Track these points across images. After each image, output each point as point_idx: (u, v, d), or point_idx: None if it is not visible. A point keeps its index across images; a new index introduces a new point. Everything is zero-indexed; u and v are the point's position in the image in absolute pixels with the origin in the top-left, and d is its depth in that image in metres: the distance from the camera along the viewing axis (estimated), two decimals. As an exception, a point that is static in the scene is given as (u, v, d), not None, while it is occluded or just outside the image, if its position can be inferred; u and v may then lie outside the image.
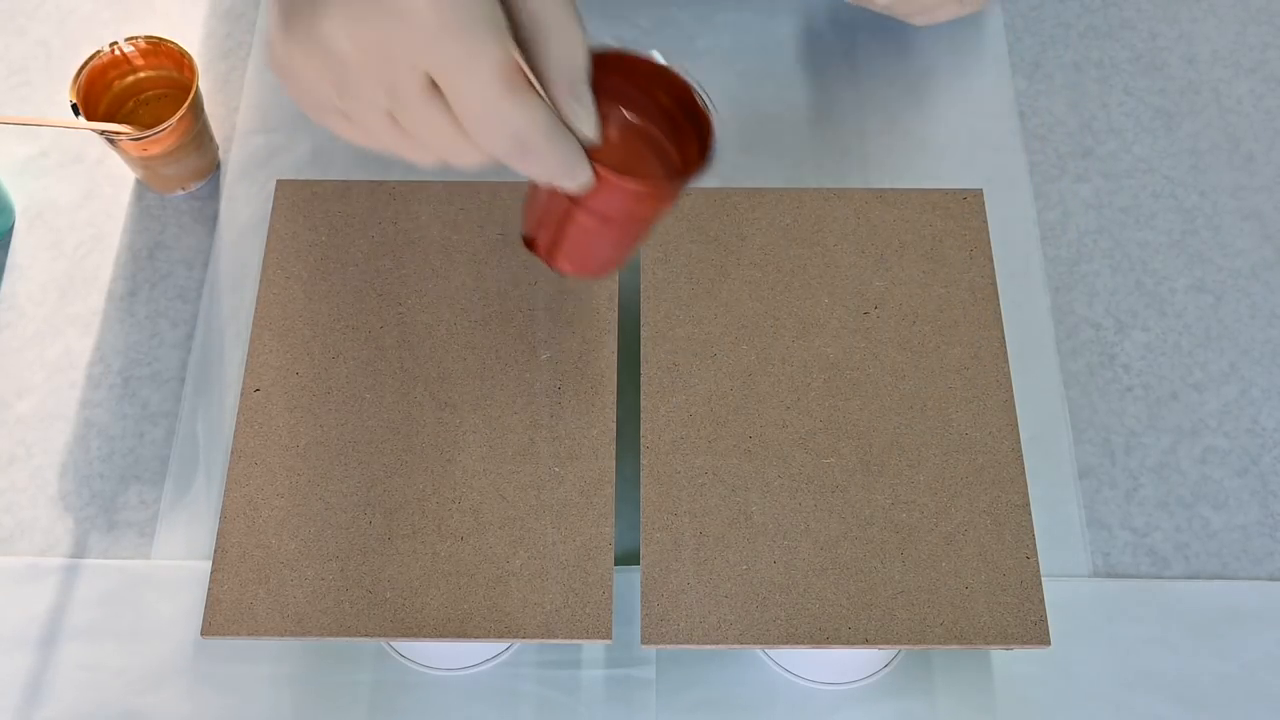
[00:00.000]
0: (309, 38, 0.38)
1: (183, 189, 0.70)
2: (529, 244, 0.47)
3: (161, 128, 0.64)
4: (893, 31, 0.75)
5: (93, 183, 0.71)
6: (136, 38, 0.67)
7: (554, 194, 0.44)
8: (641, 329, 0.57)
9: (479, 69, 0.37)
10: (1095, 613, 0.59)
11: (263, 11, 0.77)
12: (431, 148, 0.40)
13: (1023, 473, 0.53)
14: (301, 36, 0.38)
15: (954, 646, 0.50)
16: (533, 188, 0.47)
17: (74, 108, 0.64)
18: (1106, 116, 0.73)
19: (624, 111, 0.46)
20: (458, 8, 0.37)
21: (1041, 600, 0.50)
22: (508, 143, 0.39)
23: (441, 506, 0.53)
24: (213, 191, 0.71)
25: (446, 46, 0.37)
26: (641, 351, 0.56)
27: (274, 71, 0.40)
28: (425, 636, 0.50)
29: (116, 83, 0.67)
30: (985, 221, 0.59)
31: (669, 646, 0.50)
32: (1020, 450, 0.54)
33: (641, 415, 0.55)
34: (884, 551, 0.51)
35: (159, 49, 0.67)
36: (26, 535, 0.61)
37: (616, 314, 0.57)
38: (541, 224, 0.46)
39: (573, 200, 0.44)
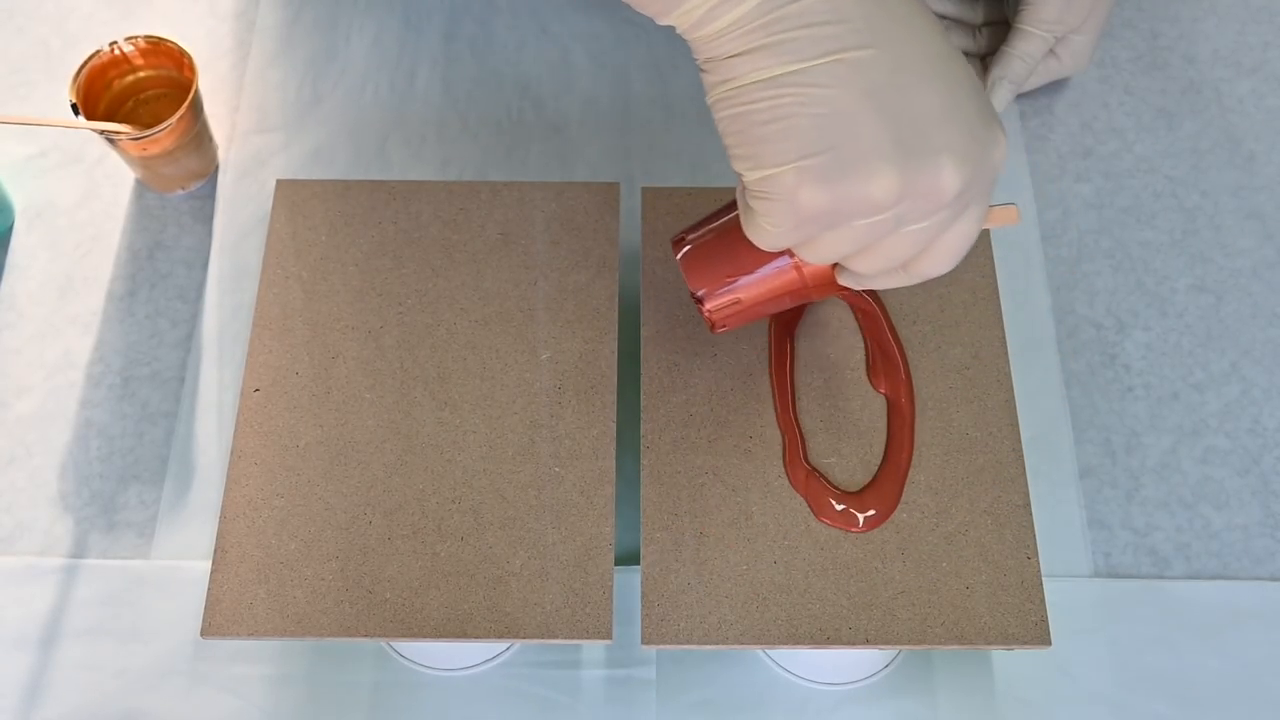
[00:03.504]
0: (910, 171, 0.40)
1: (182, 189, 0.70)
2: (698, 299, 0.50)
3: (161, 127, 0.64)
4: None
5: (92, 182, 0.71)
6: (136, 37, 0.67)
7: (790, 278, 0.48)
8: (641, 329, 0.57)
9: (984, 212, 0.44)
10: (1096, 613, 0.59)
11: (263, 11, 0.77)
12: (889, 261, 0.44)
13: (1023, 472, 0.53)
14: (900, 170, 0.40)
15: (954, 647, 0.50)
16: (734, 251, 0.48)
17: (74, 107, 0.64)
18: (1107, 116, 0.73)
19: None
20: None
21: (1042, 600, 0.50)
22: (955, 260, 0.45)
23: (441, 506, 0.52)
24: (212, 191, 0.71)
25: (987, 193, 0.43)
26: (641, 351, 0.56)
27: (799, 207, 0.41)
28: (425, 637, 0.50)
29: (116, 82, 0.67)
30: (986, 221, 0.59)
31: (669, 647, 0.50)
32: (1021, 450, 0.54)
33: (641, 415, 0.54)
34: (884, 551, 0.51)
35: (159, 48, 0.67)
36: (26, 535, 0.61)
37: (616, 314, 0.57)
38: (745, 296, 0.49)
39: (808, 288, 0.49)
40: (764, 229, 0.43)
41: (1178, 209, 0.70)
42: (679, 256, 0.50)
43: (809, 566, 0.51)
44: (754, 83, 0.40)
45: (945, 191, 0.40)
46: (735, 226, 0.46)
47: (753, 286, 0.49)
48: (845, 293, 0.52)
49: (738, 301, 0.49)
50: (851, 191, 0.40)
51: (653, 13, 0.42)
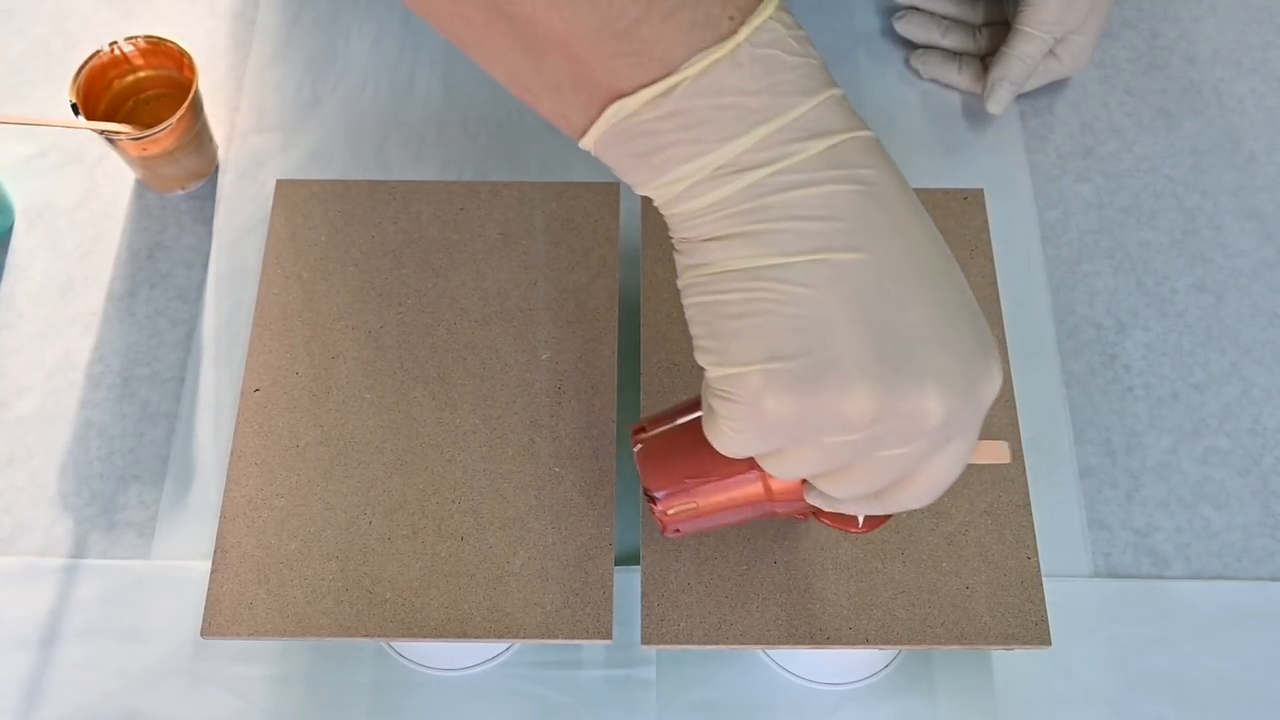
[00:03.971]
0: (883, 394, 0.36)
1: (182, 189, 0.70)
2: (652, 498, 0.45)
3: (161, 127, 0.64)
4: (891, 34, 0.75)
5: (92, 182, 0.71)
6: (136, 37, 0.67)
7: (754, 490, 0.44)
8: (641, 329, 0.57)
9: (971, 446, 0.39)
10: (1096, 613, 0.59)
11: (263, 11, 0.77)
12: (861, 486, 0.40)
13: (1023, 472, 0.53)
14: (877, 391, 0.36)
15: (954, 647, 0.50)
16: (697, 452, 0.43)
17: (74, 107, 0.64)
18: (1107, 116, 0.73)
19: None
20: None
21: (1042, 600, 0.50)
22: (934, 495, 0.40)
23: (441, 506, 0.52)
24: (212, 191, 0.71)
25: (975, 427, 0.39)
26: (641, 351, 0.56)
27: (764, 418, 0.37)
28: (425, 636, 0.50)
29: (116, 82, 0.67)
30: (986, 221, 0.59)
31: (669, 647, 0.50)
32: (1021, 450, 0.54)
33: (641, 415, 0.54)
34: (884, 551, 0.51)
35: (159, 48, 0.67)
36: (26, 535, 0.61)
37: (616, 314, 0.57)
38: (704, 502, 0.45)
39: (774, 502, 0.44)
40: (724, 433, 0.38)
41: (1178, 209, 0.70)
42: (636, 451, 0.45)
43: (809, 566, 0.51)
44: (728, 271, 0.36)
45: (926, 419, 0.36)
46: (699, 425, 0.41)
47: (713, 493, 0.44)
48: (815, 511, 0.48)
49: (695, 507, 0.45)
50: (822, 404, 0.36)
51: (632, 181, 0.38)
